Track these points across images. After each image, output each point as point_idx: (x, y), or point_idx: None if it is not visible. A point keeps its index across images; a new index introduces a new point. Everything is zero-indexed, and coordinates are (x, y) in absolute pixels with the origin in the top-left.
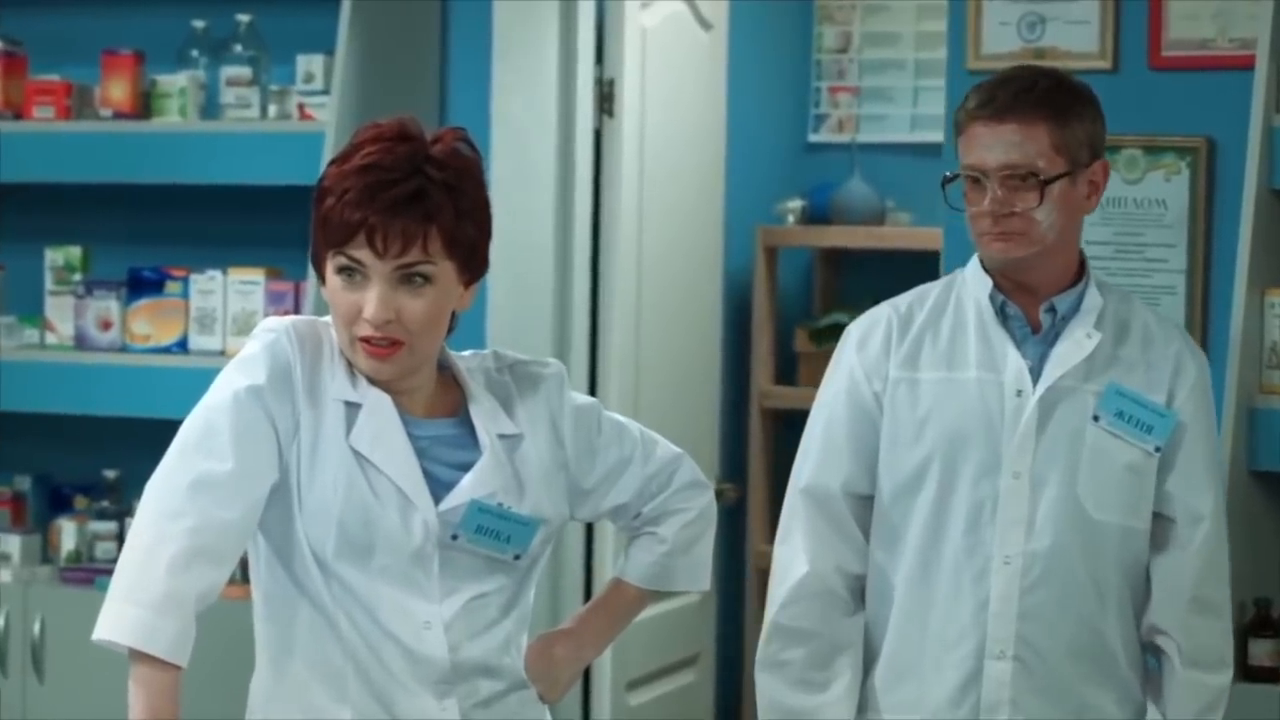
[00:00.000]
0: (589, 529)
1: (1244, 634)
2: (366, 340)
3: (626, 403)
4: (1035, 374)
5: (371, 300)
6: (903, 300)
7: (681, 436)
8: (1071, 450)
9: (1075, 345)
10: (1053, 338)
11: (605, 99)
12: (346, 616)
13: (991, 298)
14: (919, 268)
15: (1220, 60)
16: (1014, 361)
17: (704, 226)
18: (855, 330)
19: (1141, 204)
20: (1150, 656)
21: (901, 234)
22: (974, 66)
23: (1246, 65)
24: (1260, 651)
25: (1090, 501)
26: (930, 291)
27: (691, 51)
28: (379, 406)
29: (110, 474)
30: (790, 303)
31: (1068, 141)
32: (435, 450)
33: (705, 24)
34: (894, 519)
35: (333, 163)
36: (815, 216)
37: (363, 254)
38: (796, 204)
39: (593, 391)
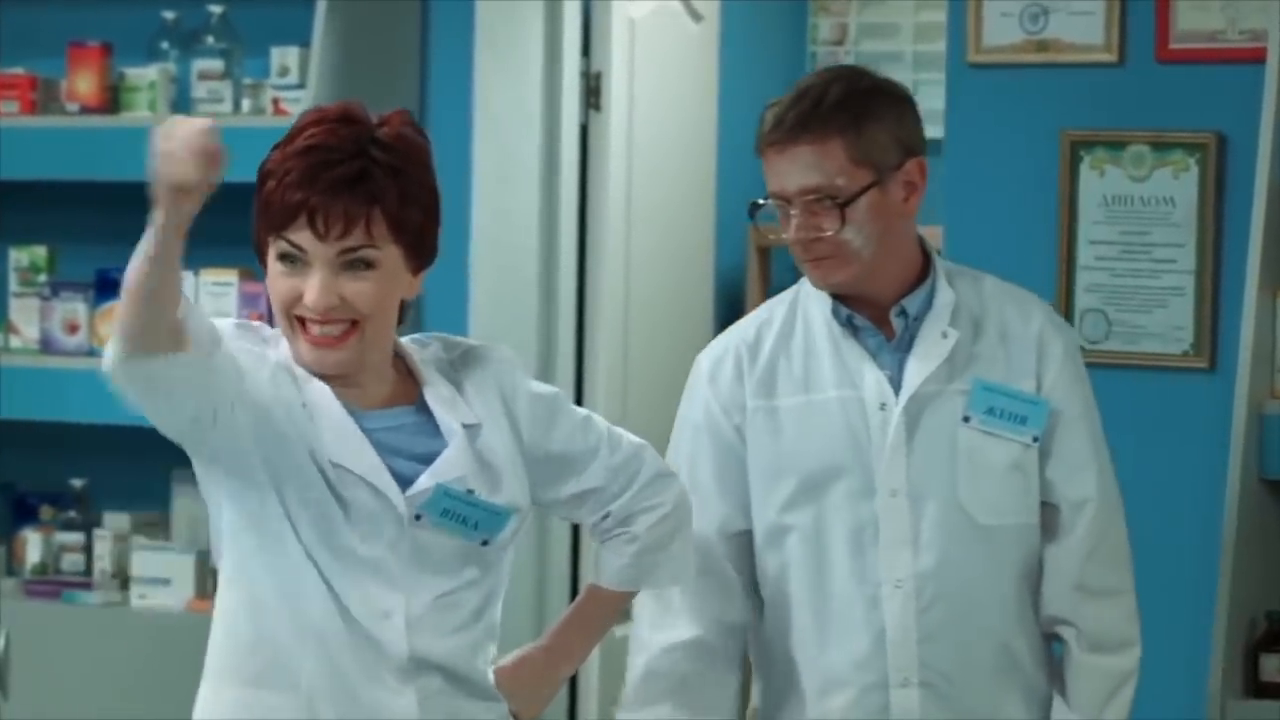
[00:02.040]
0: (575, 538)
1: (1255, 649)
2: (308, 330)
3: (614, 406)
4: (896, 383)
5: (313, 287)
6: (748, 325)
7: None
8: (946, 458)
9: (932, 346)
10: (908, 342)
11: (592, 93)
12: (312, 590)
13: (835, 312)
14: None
15: (1230, 53)
16: (871, 375)
17: (695, 225)
18: (705, 363)
19: (1148, 202)
20: (1056, 643)
21: None
22: (975, 60)
23: (1258, 58)
24: (1271, 667)
25: (976, 508)
26: (775, 312)
27: (681, 44)
28: (320, 400)
29: (77, 483)
30: None
31: (868, 150)
32: (392, 441)
33: (696, 15)
34: (772, 555)
35: (276, 147)
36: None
37: (303, 237)
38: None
39: (579, 394)
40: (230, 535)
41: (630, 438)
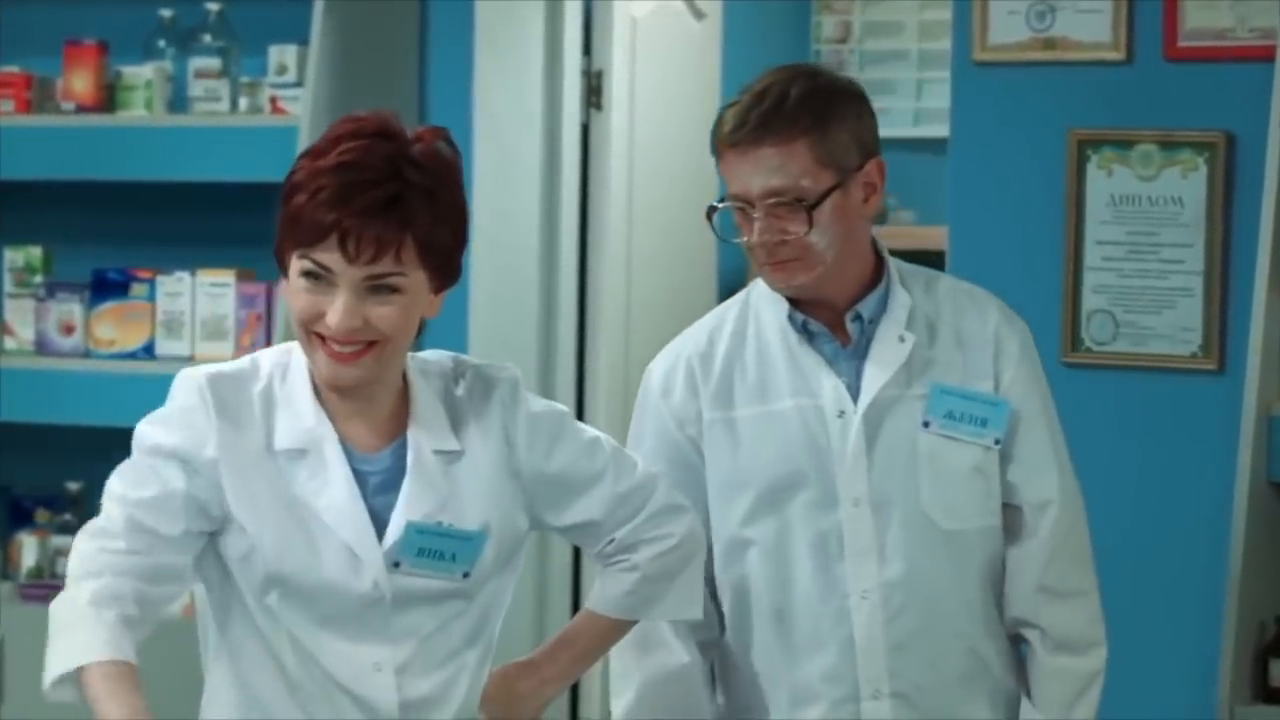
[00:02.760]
0: (576, 559)
1: (1264, 654)
2: (326, 344)
3: (615, 412)
4: (854, 390)
5: (337, 309)
6: (699, 333)
7: None
8: (908, 464)
9: (889, 351)
10: (864, 347)
11: (593, 91)
12: (292, 660)
13: (791, 318)
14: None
15: (1239, 51)
16: (829, 382)
17: (697, 226)
18: (656, 374)
19: (1156, 202)
20: (1023, 643)
21: (905, 233)
22: (981, 58)
23: (1267, 56)
24: None
25: (939, 514)
26: (726, 319)
27: (684, 42)
28: (324, 451)
29: (73, 486)
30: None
31: (832, 151)
32: (386, 484)
33: (698, 13)
34: (733, 569)
35: (305, 155)
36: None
37: (331, 258)
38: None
39: (580, 400)
40: (203, 611)
41: (642, 465)
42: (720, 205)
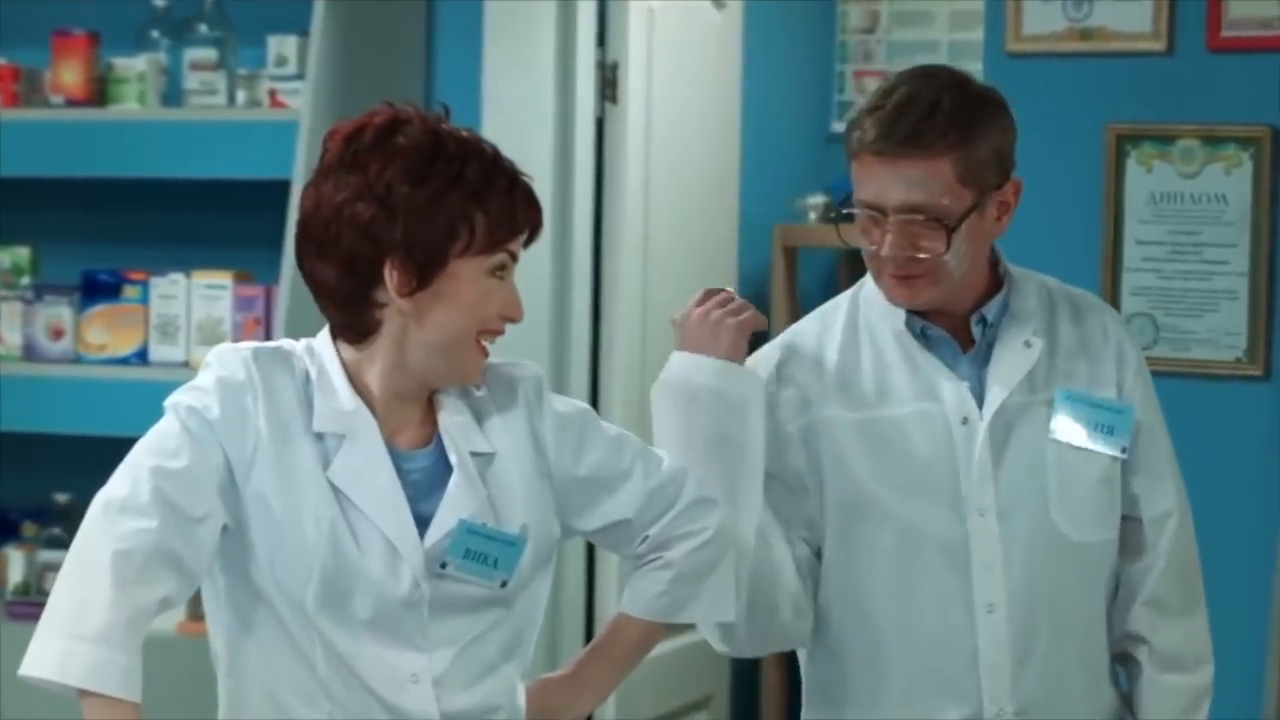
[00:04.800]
0: (590, 561)
1: None
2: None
3: (632, 417)
4: (977, 395)
5: (517, 300)
6: (807, 330)
7: None
8: (1036, 473)
9: (1015, 356)
10: (985, 352)
11: (608, 84)
12: (325, 668)
13: (909, 324)
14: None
15: None
16: (950, 387)
17: (717, 225)
18: (763, 363)
19: (1199, 200)
20: (1119, 668)
21: None
22: (1015, 49)
23: None
24: None
25: (1068, 526)
26: (834, 319)
27: (703, 32)
28: (364, 438)
29: (61, 498)
30: (812, 307)
31: (974, 169)
32: (427, 484)
33: (718, 2)
34: (841, 578)
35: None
36: (838, 216)
37: (518, 247)
38: (819, 200)
39: (595, 401)
40: (220, 612)
41: (669, 460)
42: (849, 210)
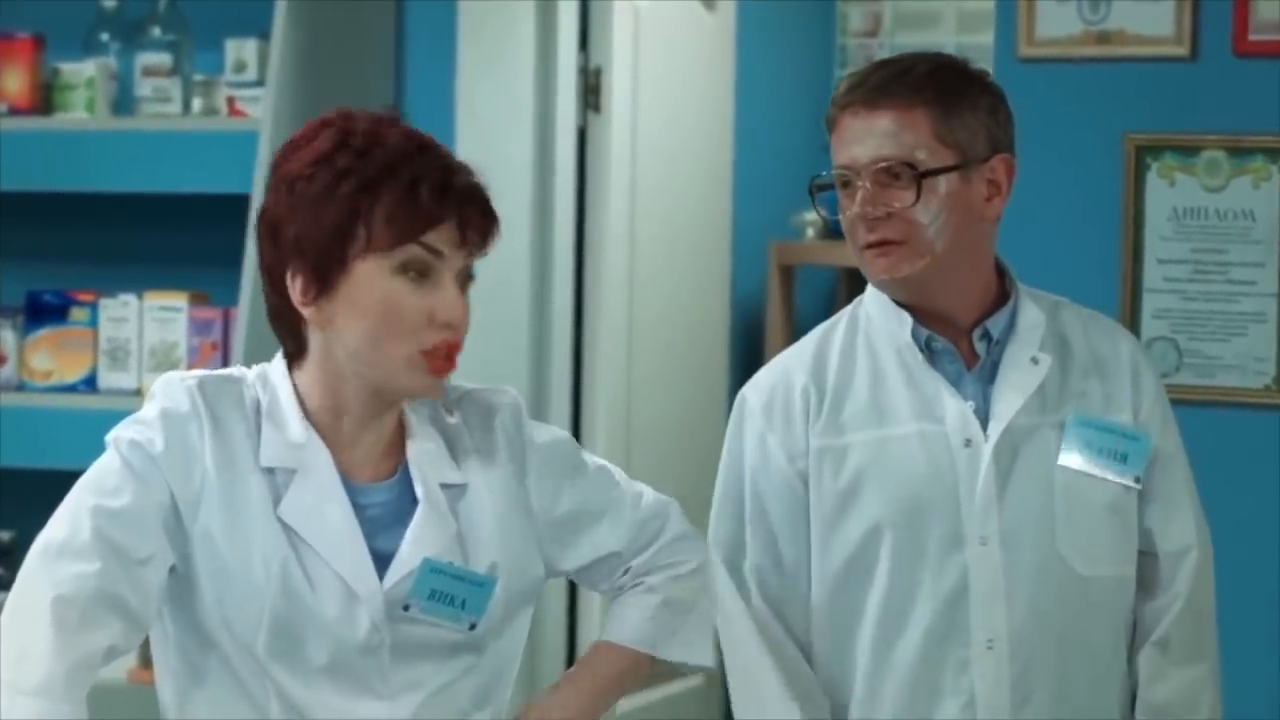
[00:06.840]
0: (572, 598)
1: None
2: (427, 352)
3: (616, 443)
4: (982, 416)
5: (451, 301)
6: (803, 353)
7: (680, 484)
8: (1043, 500)
9: (1021, 374)
10: (990, 369)
11: (591, 91)
12: (280, 718)
13: (915, 334)
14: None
15: None
16: (953, 405)
17: (708, 242)
18: (755, 400)
19: (1224, 215)
20: None
21: None
22: (1027, 53)
23: None
24: None
25: (1076, 557)
26: (832, 337)
27: (693, 35)
28: (316, 472)
29: (4, 536)
30: (809, 328)
31: (955, 130)
32: (386, 519)
33: (709, 3)
34: (837, 612)
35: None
36: (838, 230)
37: (444, 243)
38: (816, 215)
39: (576, 431)
40: (169, 659)
41: (652, 493)
42: (823, 185)
